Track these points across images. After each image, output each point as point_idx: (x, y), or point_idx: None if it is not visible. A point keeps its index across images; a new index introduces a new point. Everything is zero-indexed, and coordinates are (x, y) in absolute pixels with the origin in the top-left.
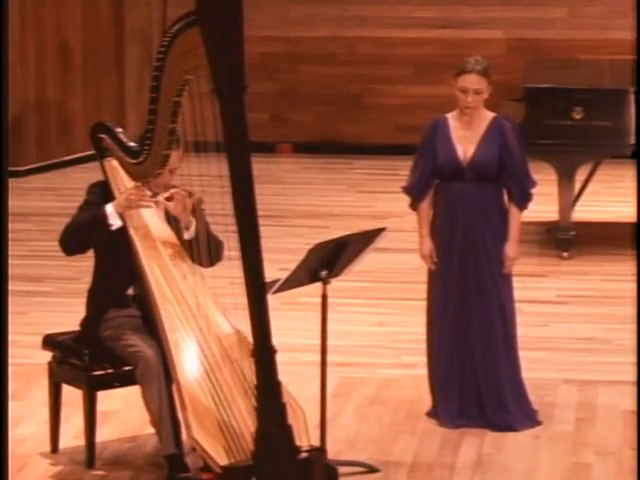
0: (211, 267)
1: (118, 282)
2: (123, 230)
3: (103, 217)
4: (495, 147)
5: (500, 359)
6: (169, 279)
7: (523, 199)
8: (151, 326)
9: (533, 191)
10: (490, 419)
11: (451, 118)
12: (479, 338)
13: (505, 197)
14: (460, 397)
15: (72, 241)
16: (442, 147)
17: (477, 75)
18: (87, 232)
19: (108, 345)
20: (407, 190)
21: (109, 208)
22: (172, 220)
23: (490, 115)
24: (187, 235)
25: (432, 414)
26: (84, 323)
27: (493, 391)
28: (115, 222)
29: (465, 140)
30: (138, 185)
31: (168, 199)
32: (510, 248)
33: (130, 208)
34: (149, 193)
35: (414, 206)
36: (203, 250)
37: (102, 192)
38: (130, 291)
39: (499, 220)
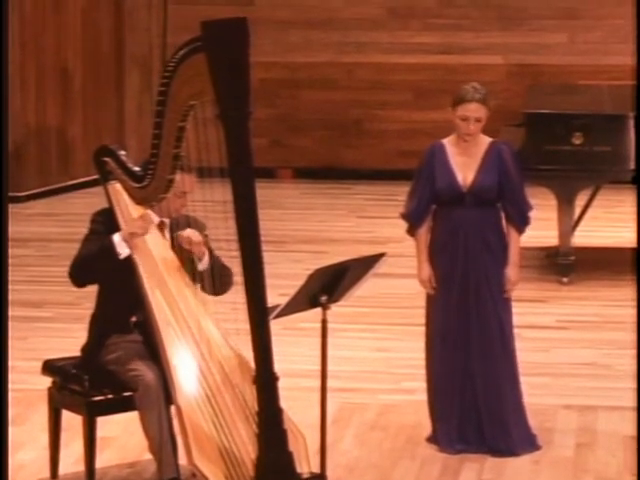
0: (222, 295)
1: (122, 309)
2: (128, 257)
3: (111, 246)
4: (495, 172)
5: (501, 383)
6: (171, 304)
7: (522, 223)
8: (153, 351)
9: (531, 214)
10: (490, 444)
11: (448, 144)
12: (480, 362)
13: (503, 220)
14: (460, 422)
15: (82, 273)
16: (441, 173)
17: (477, 103)
18: (96, 263)
19: (110, 369)
20: (406, 216)
21: (116, 237)
22: (179, 247)
23: (487, 140)
24: (201, 266)
25: (432, 439)
26: (85, 348)
27: (494, 415)
28: (123, 251)
29: (464, 166)
30: (144, 212)
31: (180, 237)
32: (512, 272)
33: (137, 236)
34: (156, 220)
35: (412, 232)
36: (211, 281)
37: (107, 220)
38: (133, 317)
39: (499, 244)
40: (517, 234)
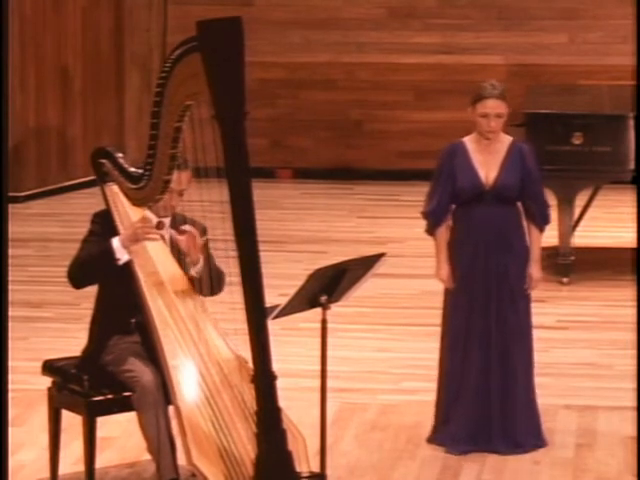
0: (211, 297)
1: (123, 311)
2: (128, 260)
3: (110, 251)
4: (517, 171)
5: (516, 381)
6: (170, 305)
7: (543, 220)
8: (152, 352)
9: (550, 212)
10: (497, 442)
11: (468, 142)
12: (498, 361)
13: (523, 218)
14: (469, 423)
15: (81, 275)
16: (463, 172)
17: (496, 99)
18: (95, 267)
19: (109, 370)
20: (427, 215)
21: (115, 242)
22: (177, 252)
23: (508, 139)
24: (194, 271)
25: (432, 439)
26: (86, 350)
27: (505, 413)
28: (122, 256)
29: (486, 164)
30: (144, 217)
31: (180, 233)
32: (535, 270)
33: (137, 242)
34: (155, 220)
35: (431, 231)
36: (206, 283)
37: (106, 221)
38: (133, 319)
39: (520, 242)
40: (538, 232)
